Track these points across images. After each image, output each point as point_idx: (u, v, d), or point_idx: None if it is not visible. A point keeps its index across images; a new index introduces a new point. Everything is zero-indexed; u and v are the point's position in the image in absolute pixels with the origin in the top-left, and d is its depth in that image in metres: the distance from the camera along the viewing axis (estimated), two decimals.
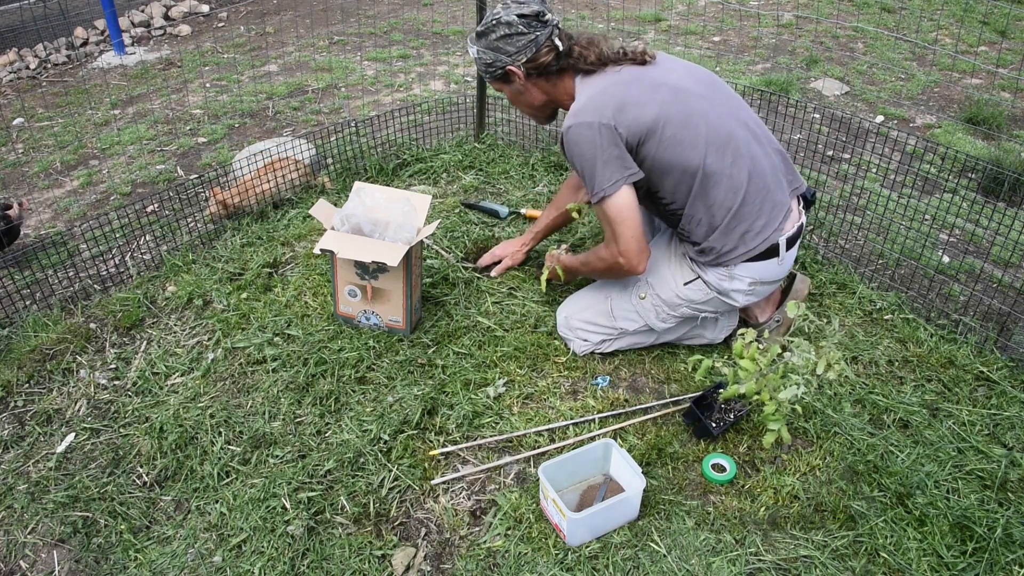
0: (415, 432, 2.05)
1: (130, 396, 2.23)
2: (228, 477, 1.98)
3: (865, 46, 5.03)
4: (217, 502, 1.91)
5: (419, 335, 2.37)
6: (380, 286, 2.28)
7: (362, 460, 1.99)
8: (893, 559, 1.72)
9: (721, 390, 2.00)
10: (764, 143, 2.08)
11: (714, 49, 4.93)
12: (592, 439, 2.02)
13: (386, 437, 2.03)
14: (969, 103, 4.04)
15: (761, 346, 1.91)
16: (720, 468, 1.93)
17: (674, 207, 2.08)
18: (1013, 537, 1.74)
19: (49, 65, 4.93)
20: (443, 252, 2.74)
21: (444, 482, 1.95)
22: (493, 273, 2.62)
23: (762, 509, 1.85)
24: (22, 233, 2.93)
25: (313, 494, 1.90)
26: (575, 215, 2.27)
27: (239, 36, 5.33)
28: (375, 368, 2.27)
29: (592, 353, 2.30)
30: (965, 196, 3.13)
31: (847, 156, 3.50)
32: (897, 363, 2.28)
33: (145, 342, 2.43)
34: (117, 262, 2.84)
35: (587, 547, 1.76)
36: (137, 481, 2.00)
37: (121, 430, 2.13)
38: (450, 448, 2.02)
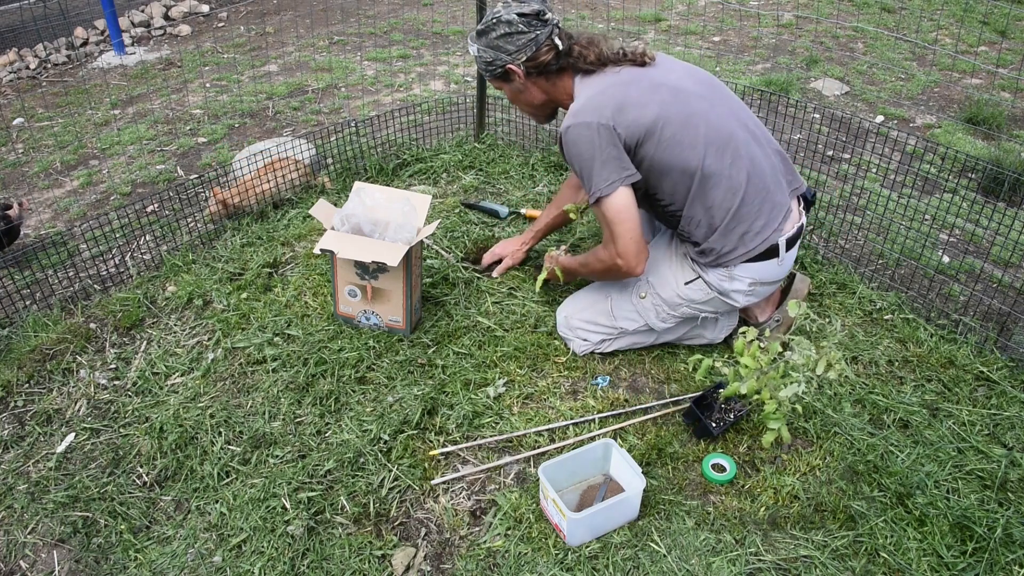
0: (415, 432, 2.05)
1: (130, 396, 2.23)
2: (228, 477, 1.98)
3: (865, 46, 5.03)
4: (217, 502, 1.91)
5: (419, 335, 2.37)
6: (380, 286, 2.28)
7: (362, 460, 1.99)
8: (893, 559, 1.72)
9: (721, 390, 2.00)
10: (763, 144, 2.08)
11: (714, 49, 4.93)
12: (592, 439, 2.02)
13: (386, 437, 2.03)
14: (969, 103, 4.04)
15: (762, 345, 1.91)
16: (720, 468, 1.93)
17: (673, 208, 2.08)
18: (1013, 537, 1.74)
19: (49, 65, 4.93)
20: (443, 252, 2.74)
21: (444, 482, 1.95)
22: (494, 273, 2.62)
23: (762, 509, 1.85)
24: (22, 233, 2.93)
25: (313, 494, 1.90)
26: (573, 215, 2.27)
27: (239, 36, 5.33)
28: (375, 368, 2.27)
29: (592, 353, 2.30)
30: (965, 196, 3.13)
31: (847, 156, 3.50)
32: (897, 363, 2.28)
33: (145, 342, 2.43)
34: (117, 262, 2.84)
35: (587, 547, 1.76)
36: (137, 481, 2.00)
37: (121, 430, 2.13)
38: (450, 448, 2.02)
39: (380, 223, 2.26)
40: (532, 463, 1.99)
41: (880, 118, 3.96)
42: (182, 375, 2.29)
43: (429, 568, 1.76)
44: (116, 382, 2.29)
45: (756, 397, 1.89)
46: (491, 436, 2.05)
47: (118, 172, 3.55)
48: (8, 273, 2.75)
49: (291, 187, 3.06)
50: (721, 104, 2.05)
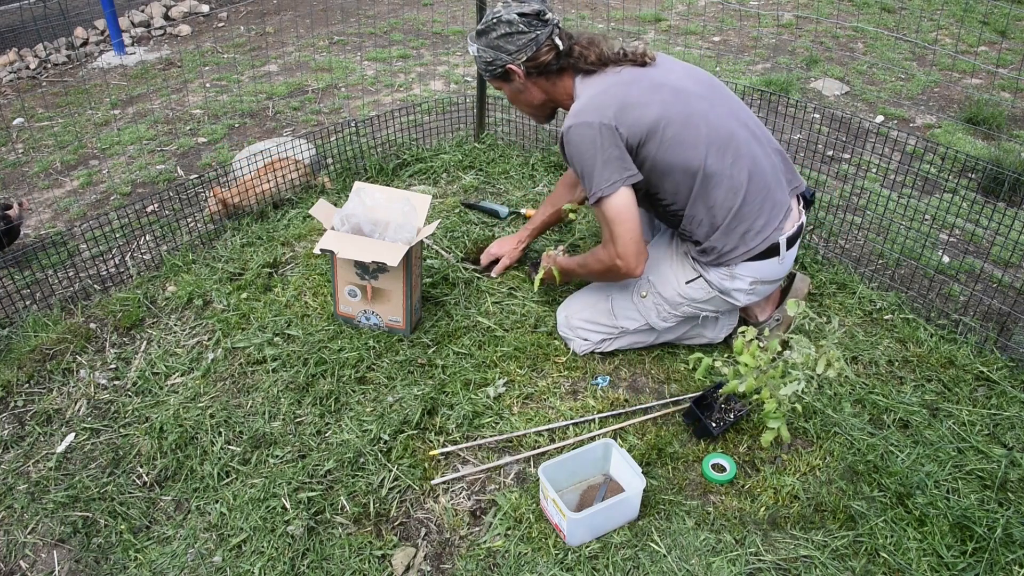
0: (415, 432, 2.05)
1: (130, 396, 2.23)
2: (228, 477, 1.98)
3: (865, 46, 5.03)
4: (217, 502, 1.91)
5: (419, 335, 2.37)
6: (380, 286, 2.28)
7: (362, 460, 1.99)
8: (893, 559, 1.72)
9: (721, 390, 2.00)
10: (764, 143, 2.08)
11: (714, 49, 4.93)
12: (592, 439, 2.02)
13: (386, 437, 2.03)
14: (969, 103, 4.04)
15: (761, 344, 1.91)
16: (720, 468, 1.93)
17: (674, 208, 2.08)
18: (1013, 537, 1.74)
19: (49, 65, 4.93)
20: (443, 252, 2.74)
21: (444, 482, 1.95)
22: (493, 273, 2.62)
23: (762, 509, 1.85)
24: (22, 233, 2.93)
25: (313, 494, 1.90)
26: (571, 215, 2.27)
27: (239, 36, 5.33)
28: (375, 368, 2.27)
29: (592, 353, 2.30)
30: (965, 196, 3.13)
31: (847, 156, 3.50)
32: (897, 363, 2.28)
33: (145, 342, 2.43)
34: (117, 262, 2.84)
35: (587, 547, 1.76)
36: (137, 481, 2.00)
37: (121, 430, 2.13)
38: (450, 448, 2.02)
39: (380, 223, 2.26)
40: (532, 463, 1.99)
41: (880, 118, 3.96)
42: (182, 375, 2.29)
43: (429, 568, 1.76)
44: (116, 382, 2.29)
45: (756, 397, 1.89)
46: (491, 436, 2.05)
47: (118, 172, 3.55)
48: (8, 273, 2.75)
49: (291, 187, 3.06)
50: (721, 104, 2.05)
